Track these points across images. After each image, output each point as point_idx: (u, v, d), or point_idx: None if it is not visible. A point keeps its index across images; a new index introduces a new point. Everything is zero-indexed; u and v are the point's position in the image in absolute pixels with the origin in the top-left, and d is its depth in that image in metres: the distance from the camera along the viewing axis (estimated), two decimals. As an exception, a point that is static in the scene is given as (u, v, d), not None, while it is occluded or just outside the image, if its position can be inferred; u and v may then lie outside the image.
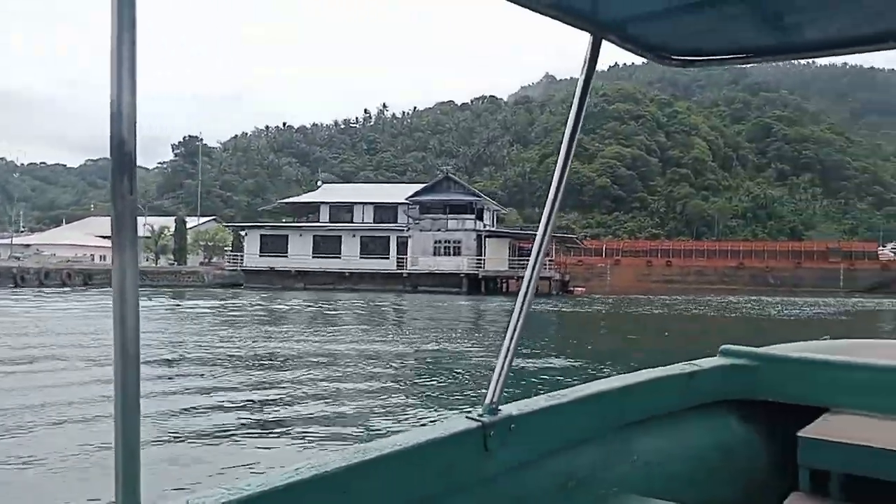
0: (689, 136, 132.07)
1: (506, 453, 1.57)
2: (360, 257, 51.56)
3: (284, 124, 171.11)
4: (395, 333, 19.22)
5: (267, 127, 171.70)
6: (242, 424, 7.56)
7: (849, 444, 2.01)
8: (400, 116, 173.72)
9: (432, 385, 10.54)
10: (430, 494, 1.40)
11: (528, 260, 1.66)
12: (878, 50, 1.57)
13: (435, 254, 51.46)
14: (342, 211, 55.01)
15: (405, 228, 52.29)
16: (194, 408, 8.22)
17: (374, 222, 54.04)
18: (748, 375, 2.52)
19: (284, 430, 7.40)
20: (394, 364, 12.67)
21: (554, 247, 55.38)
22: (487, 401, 1.59)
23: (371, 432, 7.20)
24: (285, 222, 58.52)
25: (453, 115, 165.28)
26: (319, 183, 68.04)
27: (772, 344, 2.84)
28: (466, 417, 1.55)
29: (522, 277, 1.65)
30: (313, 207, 56.98)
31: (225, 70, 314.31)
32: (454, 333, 19.23)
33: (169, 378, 10.42)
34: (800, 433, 2.11)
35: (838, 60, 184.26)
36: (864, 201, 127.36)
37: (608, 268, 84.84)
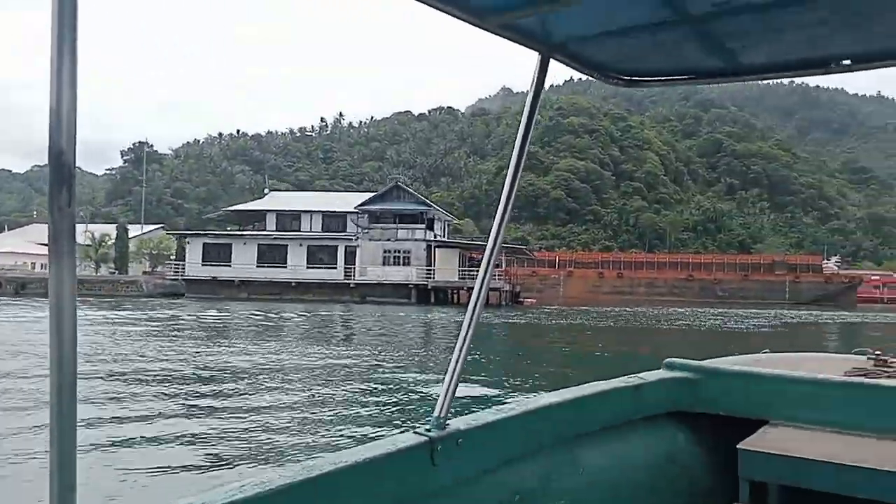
0: (642, 151, 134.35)
1: (453, 468, 1.59)
2: (307, 267, 50.35)
3: (238, 131, 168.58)
4: (339, 346, 18.48)
5: (220, 134, 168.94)
6: (159, 450, 6.84)
7: (786, 456, 2.05)
8: (356, 126, 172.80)
9: (379, 401, 10.06)
10: None
11: (476, 271, 1.68)
12: (819, 74, 1.65)
13: (384, 264, 50.60)
14: (289, 219, 53.71)
15: (353, 238, 51.29)
16: (103, 431, 7.41)
17: (322, 231, 52.90)
18: (691, 388, 2.56)
19: (211, 454, 6.73)
20: (338, 379, 12.02)
21: (504, 258, 55.07)
22: (435, 415, 1.60)
23: (313, 452, 6.69)
24: (230, 231, 56.85)
25: (410, 126, 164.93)
26: (266, 191, 66.47)
27: (715, 357, 2.88)
28: (414, 432, 1.56)
29: (472, 288, 1.64)
30: (260, 215, 55.53)
31: (181, 76, 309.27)
32: (402, 346, 18.63)
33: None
34: (739, 445, 2.13)
35: (786, 79, 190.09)
36: (810, 216, 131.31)
37: (561, 279, 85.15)
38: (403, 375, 12.49)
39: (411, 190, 58.25)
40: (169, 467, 6.24)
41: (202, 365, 13.07)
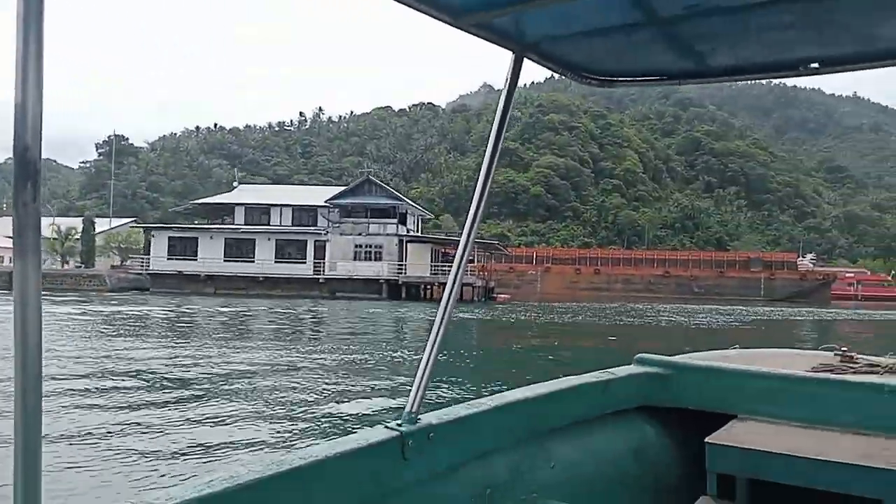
0: (622, 148, 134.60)
1: (424, 462, 1.60)
2: (276, 261, 49.24)
3: (216, 125, 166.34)
4: (307, 343, 17.78)
5: (197, 128, 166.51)
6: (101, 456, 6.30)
7: (753, 449, 2.09)
8: (336, 120, 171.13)
9: (347, 400, 9.50)
10: None
11: (448, 266, 1.68)
12: (787, 77, 1.72)
13: (356, 258, 49.67)
14: (258, 213, 52.54)
15: (323, 232, 50.27)
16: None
17: (292, 225, 51.81)
18: (661, 383, 2.60)
19: (166, 457, 6.28)
20: (303, 377, 11.33)
21: (478, 253, 54.41)
22: (407, 410, 1.62)
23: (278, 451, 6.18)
24: (197, 224, 55.54)
25: (391, 121, 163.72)
26: (235, 184, 65.16)
27: (686, 352, 2.91)
28: (385, 427, 1.58)
29: (444, 283, 1.77)
30: (228, 209, 54.28)
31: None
32: (371, 343, 17.99)
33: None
34: (707, 439, 2.18)
35: (763, 80, 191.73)
36: (786, 214, 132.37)
37: (538, 275, 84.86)
38: (373, 374, 11.97)
39: (383, 184, 57.23)
40: (122, 470, 5.88)
41: (144, 367, 12.07)
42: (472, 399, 1.90)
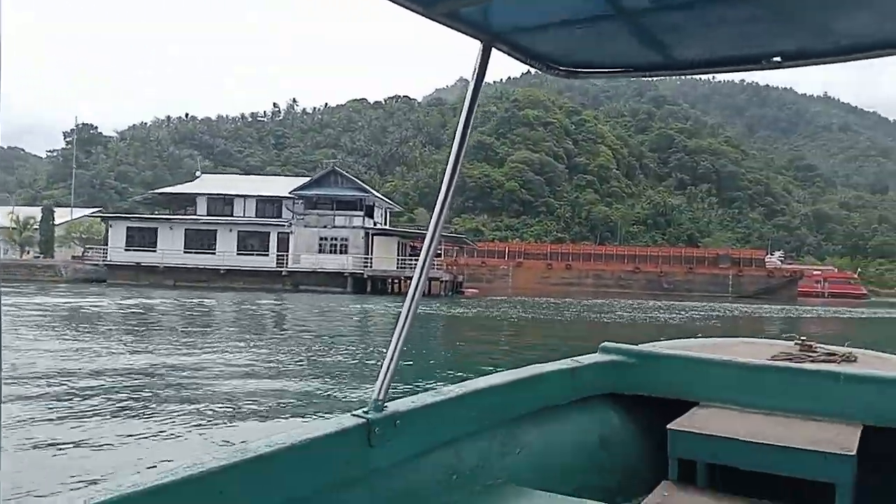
0: (596, 145, 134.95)
1: (390, 449, 1.62)
2: (238, 253, 48.08)
3: (187, 115, 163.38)
4: (268, 338, 16.95)
5: (168, 117, 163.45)
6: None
7: (713, 435, 2.16)
8: (310, 112, 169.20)
9: (307, 397, 8.98)
10: (313, 491, 1.41)
11: (415, 260, 1.75)
12: (751, 70, 1.75)
13: (321, 251, 48.73)
14: (221, 203, 51.19)
15: (287, 224, 49.22)
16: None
17: (256, 217, 50.67)
18: (626, 371, 2.65)
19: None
20: (264, 373, 10.67)
21: (446, 247, 53.82)
22: (374, 397, 1.63)
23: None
24: (158, 214, 54.07)
25: (365, 114, 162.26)
26: (198, 173, 63.69)
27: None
28: (352, 415, 1.59)
29: (410, 277, 1.82)
30: (190, 199, 52.89)
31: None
32: (334, 337, 17.30)
33: None
34: (669, 426, 2.24)
35: (736, 77, 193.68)
36: (756, 211, 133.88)
37: (510, 270, 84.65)
38: (334, 369, 11.40)
39: (350, 175, 56.25)
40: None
41: (76, 365, 11.03)
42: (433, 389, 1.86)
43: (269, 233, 48.75)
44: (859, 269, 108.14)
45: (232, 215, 50.64)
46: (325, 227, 49.43)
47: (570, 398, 2.42)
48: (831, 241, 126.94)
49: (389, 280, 47.92)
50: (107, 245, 50.16)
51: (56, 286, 40.46)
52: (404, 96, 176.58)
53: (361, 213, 50.45)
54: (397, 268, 48.11)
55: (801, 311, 47.40)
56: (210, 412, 7.72)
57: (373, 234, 49.64)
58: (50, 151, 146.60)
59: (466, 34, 1.59)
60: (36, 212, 66.57)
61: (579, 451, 2.35)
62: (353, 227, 49.53)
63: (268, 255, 48.19)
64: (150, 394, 8.83)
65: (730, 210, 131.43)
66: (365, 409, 1.59)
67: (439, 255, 51.77)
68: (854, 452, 2.00)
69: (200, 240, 48.24)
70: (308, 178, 55.36)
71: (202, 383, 9.64)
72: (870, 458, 2.03)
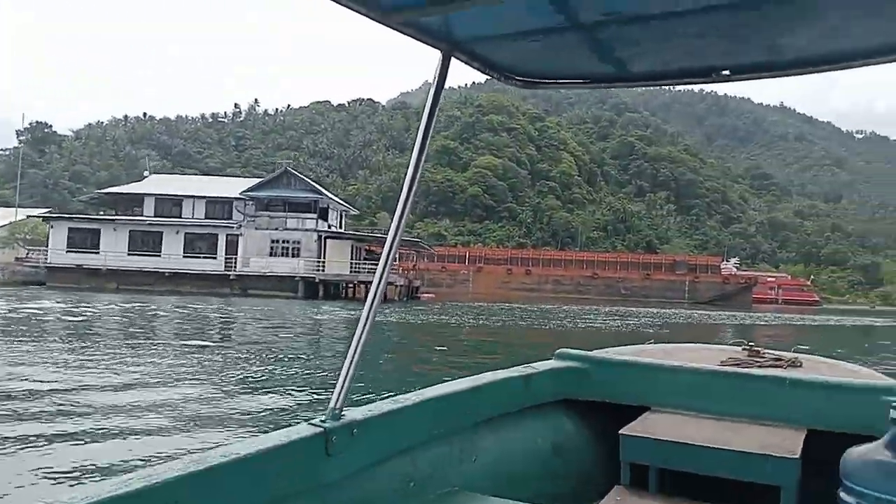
0: (558, 151, 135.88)
1: (348, 458, 1.62)
2: (184, 256, 46.57)
3: (145, 114, 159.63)
4: (214, 346, 15.85)
5: (126, 116, 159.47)
6: None
7: (664, 440, 2.19)
8: (272, 113, 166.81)
9: (254, 409, 8.25)
10: (269, 502, 1.39)
11: (370, 264, 1.75)
12: (701, 83, 1.80)
13: (272, 254, 47.48)
14: (170, 204, 49.59)
15: (237, 226, 47.85)
16: None
17: (205, 218, 49.16)
18: (579, 377, 2.67)
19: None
20: (209, 384, 9.85)
21: (402, 252, 52.98)
22: (331, 406, 1.62)
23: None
24: (103, 215, 52.16)
25: (329, 116, 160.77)
26: (146, 173, 61.78)
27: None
28: (308, 424, 1.57)
29: (364, 282, 1.82)
30: (137, 199, 51.13)
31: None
32: (284, 345, 16.42)
33: None
34: (621, 431, 2.26)
35: (695, 87, 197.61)
36: (714, 219, 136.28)
37: (471, 275, 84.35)
38: (284, 379, 10.60)
39: (308, 177, 55.11)
40: None
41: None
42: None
43: (218, 235, 47.36)
44: (812, 277, 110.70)
45: (181, 217, 49.08)
46: (276, 229, 48.21)
47: (526, 405, 2.43)
48: (786, 248, 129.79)
49: (343, 284, 46.93)
50: (48, 247, 48.18)
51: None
52: (368, 99, 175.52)
53: (315, 216, 49.34)
54: (351, 272, 47.12)
55: (755, 317, 47.82)
56: (141, 428, 6.91)
57: (326, 238, 48.58)
58: (2, 150, 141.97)
59: (426, 43, 1.60)
60: (-23, 212, 63.89)
61: (534, 457, 2.36)
62: (306, 230, 48.41)
63: (216, 258, 46.80)
64: (71, 412, 7.84)
65: (688, 217, 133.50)
66: (322, 418, 1.57)
67: (396, 260, 50.84)
68: (798, 456, 2.02)
69: (146, 241, 46.62)
70: (259, 180, 54.02)
71: (131, 397, 8.63)
72: (813, 462, 2.04)
